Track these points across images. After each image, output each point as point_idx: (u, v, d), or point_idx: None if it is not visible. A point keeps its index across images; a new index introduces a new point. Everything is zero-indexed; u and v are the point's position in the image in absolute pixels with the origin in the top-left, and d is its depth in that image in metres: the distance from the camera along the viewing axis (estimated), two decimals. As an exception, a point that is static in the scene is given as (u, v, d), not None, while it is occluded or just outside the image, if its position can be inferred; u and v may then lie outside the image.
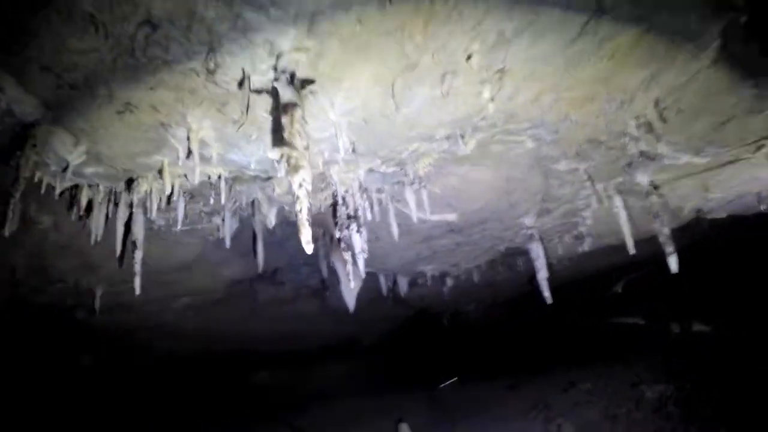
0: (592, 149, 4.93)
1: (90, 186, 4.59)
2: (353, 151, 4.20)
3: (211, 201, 5.51)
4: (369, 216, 5.12)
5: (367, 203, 4.91)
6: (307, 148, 3.44)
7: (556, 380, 10.51)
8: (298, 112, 3.33)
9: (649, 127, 4.51)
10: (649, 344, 11.25)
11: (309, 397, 12.71)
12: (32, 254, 6.17)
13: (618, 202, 6.12)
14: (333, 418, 11.42)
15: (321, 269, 7.93)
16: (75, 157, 4.06)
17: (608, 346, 11.97)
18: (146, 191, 4.61)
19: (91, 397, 11.63)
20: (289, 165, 3.91)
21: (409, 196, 4.81)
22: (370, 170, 4.63)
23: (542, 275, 6.55)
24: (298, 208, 3.61)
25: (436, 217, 5.70)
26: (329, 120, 3.77)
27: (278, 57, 3.11)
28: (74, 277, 6.92)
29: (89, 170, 4.32)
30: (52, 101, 3.45)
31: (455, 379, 12.43)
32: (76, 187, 4.61)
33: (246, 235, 6.45)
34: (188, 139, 3.88)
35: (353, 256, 4.71)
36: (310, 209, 3.44)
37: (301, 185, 3.78)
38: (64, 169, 4.10)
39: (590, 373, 10.39)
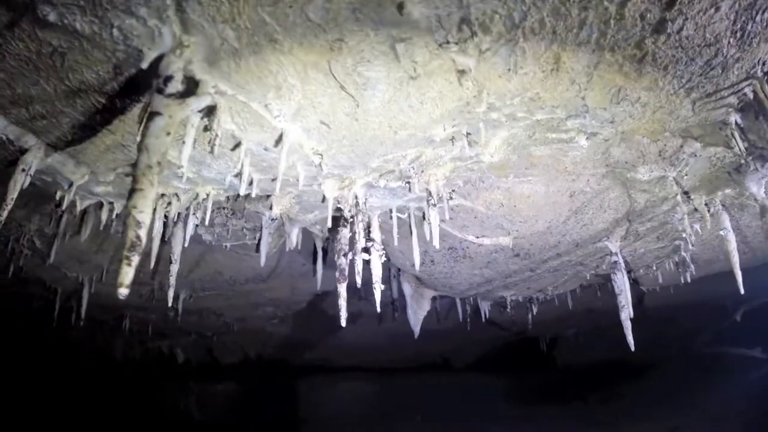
0: (678, 148, 3.58)
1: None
2: (322, 163, 3.04)
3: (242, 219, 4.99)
4: (395, 238, 4.11)
5: (376, 222, 3.89)
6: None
7: (656, 423, 9.15)
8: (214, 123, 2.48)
9: None
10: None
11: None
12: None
13: (725, 222, 4.63)
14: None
15: (392, 289, 7.15)
16: (78, 177, 3.53)
17: (719, 385, 10.24)
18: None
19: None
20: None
21: (432, 219, 3.69)
22: (369, 185, 3.47)
23: (626, 314, 4.92)
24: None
25: (488, 241, 4.54)
26: (275, 127, 2.72)
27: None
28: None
29: (99, 189, 3.81)
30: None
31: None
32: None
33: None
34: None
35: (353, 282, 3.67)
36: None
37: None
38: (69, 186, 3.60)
39: (694, 418, 9.07)
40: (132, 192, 1.98)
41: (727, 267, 6.37)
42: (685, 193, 4.11)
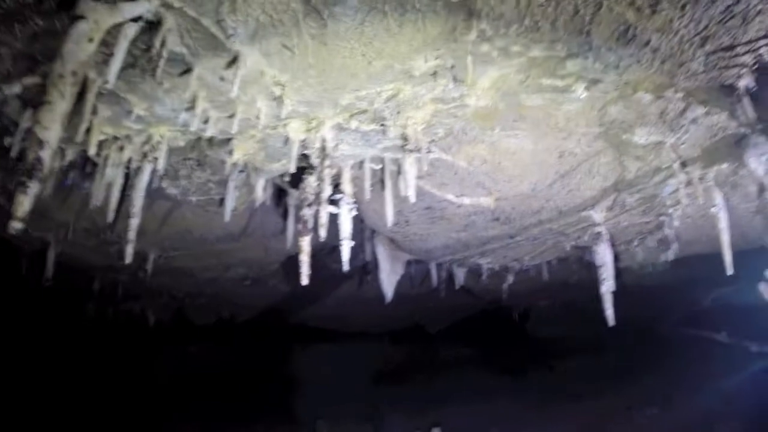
0: (680, 111, 3.22)
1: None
2: (284, 96, 2.64)
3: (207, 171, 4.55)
4: (367, 193, 3.71)
5: (348, 174, 3.50)
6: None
7: (620, 399, 9.15)
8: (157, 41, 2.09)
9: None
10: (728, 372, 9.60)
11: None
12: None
13: (718, 198, 4.32)
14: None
15: (364, 251, 6.81)
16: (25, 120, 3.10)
17: (684, 367, 10.36)
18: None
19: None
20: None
21: (409, 168, 3.30)
22: (339, 127, 3.03)
23: (606, 287, 4.67)
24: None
25: (468, 201, 4.19)
26: (230, 50, 2.30)
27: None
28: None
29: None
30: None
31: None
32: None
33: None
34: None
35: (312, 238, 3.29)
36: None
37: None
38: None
39: (659, 396, 9.05)
40: (38, 105, 1.60)
41: (707, 249, 6.17)
42: (682, 163, 3.78)
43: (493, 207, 4.21)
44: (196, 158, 4.25)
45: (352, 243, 3.50)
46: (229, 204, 4.58)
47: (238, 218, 5.92)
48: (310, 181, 3.17)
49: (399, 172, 3.59)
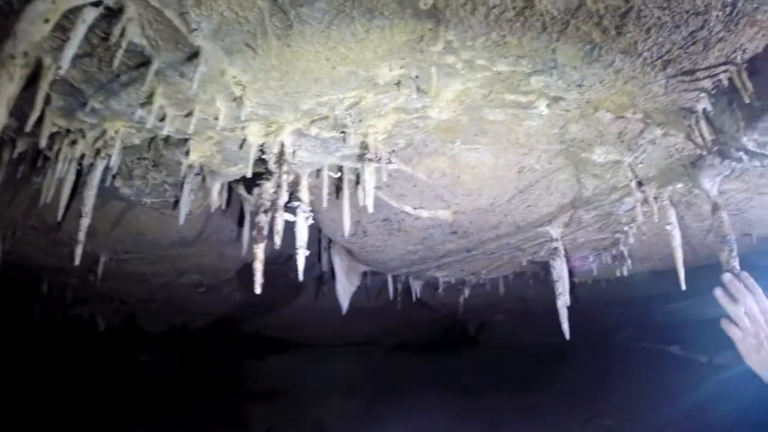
0: (639, 132, 3.23)
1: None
2: (244, 97, 2.50)
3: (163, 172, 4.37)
4: (324, 201, 3.61)
5: (306, 181, 3.39)
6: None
7: (579, 409, 9.33)
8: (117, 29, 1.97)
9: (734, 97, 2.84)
10: (681, 384, 9.69)
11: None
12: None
13: (672, 217, 4.39)
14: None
15: (321, 261, 6.66)
16: None
17: (639, 379, 10.47)
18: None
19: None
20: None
21: (368, 177, 3.23)
22: (299, 133, 2.91)
23: (562, 301, 4.65)
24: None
25: (426, 214, 4.14)
26: (191, 44, 2.15)
27: None
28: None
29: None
30: None
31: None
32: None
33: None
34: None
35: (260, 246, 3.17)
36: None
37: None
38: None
39: (614, 407, 9.27)
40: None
41: (659, 266, 6.30)
42: (639, 183, 3.81)
43: (451, 221, 4.17)
44: (152, 158, 4.07)
45: (308, 252, 3.39)
46: (184, 207, 4.40)
47: (193, 222, 5.72)
48: (267, 187, 3.04)
49: (357, 181, 3.51)
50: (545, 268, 7.00)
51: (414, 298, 7.34)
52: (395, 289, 7.17)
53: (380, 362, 12.20)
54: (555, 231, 4.64)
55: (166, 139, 3.43)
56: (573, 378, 10.87)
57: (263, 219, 3.08)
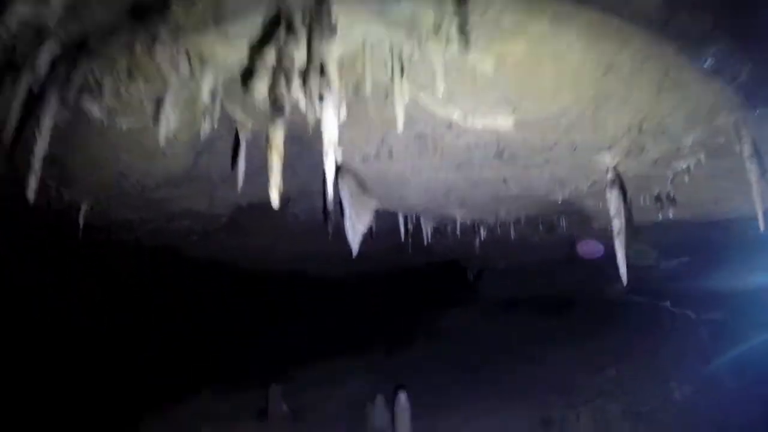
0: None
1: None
2: None
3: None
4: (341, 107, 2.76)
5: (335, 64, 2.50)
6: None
7: (582, 362, 8.96)
8: None
9: None
10: (684, 336, 9.90)
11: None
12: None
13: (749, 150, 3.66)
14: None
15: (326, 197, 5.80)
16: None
17: (642, 330, 10.43)
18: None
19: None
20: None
21: (437, 59, 2.36)
22: None
23: (620, 241, 3.96)
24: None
25: (480, 123, 3.29)
26: None
27: None
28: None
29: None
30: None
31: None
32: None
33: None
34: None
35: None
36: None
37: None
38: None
39: (619, 359, 8.94)
40: None
41: (698, 213, 5.64)
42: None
43: (508, 130, 3.33)
44: (126, 66, 3.20)
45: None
46: (165, 122, 3.60)
47: (180, 158, 4.88)
48: (290, 48, 2.21)
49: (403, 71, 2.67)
50: (564, 213, 6.34)
51: (426, 241, 6.58)
52: (406, 230, 6.39)
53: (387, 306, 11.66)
54: (611, 158, 3.89)
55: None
56: (574, 330, 10.57)
57: (284, 94, 2.28)
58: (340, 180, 5.30)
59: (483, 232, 6.46)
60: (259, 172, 5.62)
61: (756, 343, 8.50)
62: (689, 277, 10.46)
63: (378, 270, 10.42)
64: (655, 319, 10.57)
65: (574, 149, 3.80)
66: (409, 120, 3.51)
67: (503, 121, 3.17)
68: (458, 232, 6.20)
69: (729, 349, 8.86)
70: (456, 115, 3.18)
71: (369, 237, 6.86)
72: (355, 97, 3.05)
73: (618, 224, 3.93)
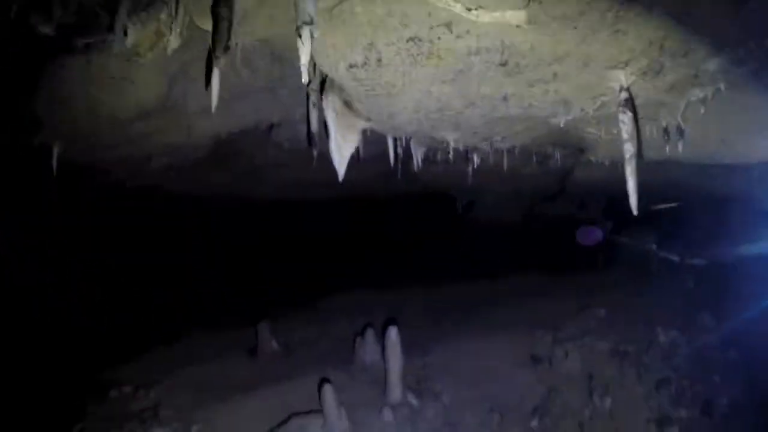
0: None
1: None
2: None
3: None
4: None
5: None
6: None
7: (570, 301, 8.84)
8: None
9: None
10: (670, 282, 9.87)
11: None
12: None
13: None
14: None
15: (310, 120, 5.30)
16: None
17: (634, 273, 10.46)
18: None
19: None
20: None
21: None
22: None
23: (631, 168, 3.61)
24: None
25: (487, 16, 2.68)
26: None
27: None
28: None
29: None
30: None
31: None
32: None
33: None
34: None
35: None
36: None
37: None
38: None
39: (607, 300, 8.80)
40: None
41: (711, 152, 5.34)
42: None
43: (517, 32, 2.86)
44: None
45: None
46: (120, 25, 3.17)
47: (151, 86, 4.66)
48: None
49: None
50: (559, 145, 5.96)
51: (416, 168, 6.19)
52: (396, 154, 5.94)
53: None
54: (626, 77, 3.46)
55: None
56: (565, 264, 10.58)
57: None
58: (324, 99, 4.81)
59: (476, 160, 6.07)
60: (238, 97, 5.22)
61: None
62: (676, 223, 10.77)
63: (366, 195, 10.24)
64: (638, 260, 10.75)
65: (586, 64, 3.35)
66: (403, 18, 3.06)
67: (513, 15, 2.69)
68: (451, 158, 5.80)
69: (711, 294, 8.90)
70: (458, 7, 2.70)
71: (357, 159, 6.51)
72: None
73: (630, 150, 3.56)
